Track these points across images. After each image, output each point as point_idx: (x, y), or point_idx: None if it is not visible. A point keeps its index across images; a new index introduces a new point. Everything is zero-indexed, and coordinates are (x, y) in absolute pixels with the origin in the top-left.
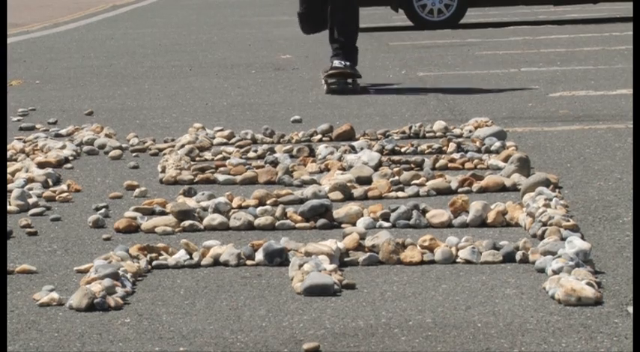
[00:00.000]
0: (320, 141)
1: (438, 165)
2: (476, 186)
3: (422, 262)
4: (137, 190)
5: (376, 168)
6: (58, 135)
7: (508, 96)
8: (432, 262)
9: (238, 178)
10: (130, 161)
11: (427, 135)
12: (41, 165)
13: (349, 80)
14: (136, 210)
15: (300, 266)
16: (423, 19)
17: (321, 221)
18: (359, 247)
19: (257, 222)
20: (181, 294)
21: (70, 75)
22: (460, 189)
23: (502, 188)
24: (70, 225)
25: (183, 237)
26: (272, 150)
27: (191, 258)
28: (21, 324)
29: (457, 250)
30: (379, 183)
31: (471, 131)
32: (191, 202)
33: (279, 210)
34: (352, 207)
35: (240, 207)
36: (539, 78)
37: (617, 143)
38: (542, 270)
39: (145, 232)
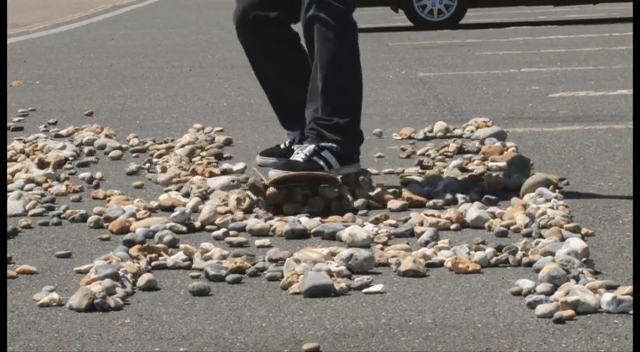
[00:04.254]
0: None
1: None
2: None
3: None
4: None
5: None
6: (58, 136)
7: (508, 96)
8: (433, 265)
9: None
10: (130, 161)
11: (427, 135)
12: (41, 166)
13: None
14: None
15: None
16: (423, 20)
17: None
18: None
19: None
20: (181, 295)
21: (70, 75)
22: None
23: (502, 188)
24: (69, 225)
25: (181, 239)
26: None
27: (190, 260)
28: (21, 325)
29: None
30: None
31: (472, 131)
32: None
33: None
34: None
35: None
36: (539, 78)
37: (617, 143)
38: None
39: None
